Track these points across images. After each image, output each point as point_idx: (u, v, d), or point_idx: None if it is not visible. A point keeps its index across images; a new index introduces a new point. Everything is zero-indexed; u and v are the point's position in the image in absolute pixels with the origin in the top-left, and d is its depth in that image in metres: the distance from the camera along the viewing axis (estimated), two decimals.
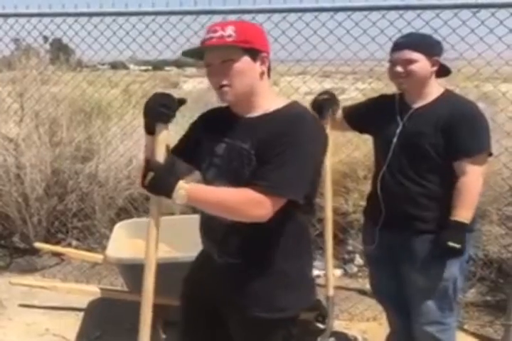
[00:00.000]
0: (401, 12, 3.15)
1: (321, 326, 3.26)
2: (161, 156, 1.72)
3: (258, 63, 1.76)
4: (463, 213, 2.23)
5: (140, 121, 4.59)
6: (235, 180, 1.73)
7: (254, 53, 1.74)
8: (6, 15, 4.03)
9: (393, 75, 2.33)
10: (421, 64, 2.28)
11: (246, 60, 1.73)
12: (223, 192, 1.70)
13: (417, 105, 2.36)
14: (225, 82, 1.72)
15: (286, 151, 1.66)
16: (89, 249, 4.32)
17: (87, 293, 3.39)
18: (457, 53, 3.18)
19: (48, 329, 3.39)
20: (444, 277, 2.32)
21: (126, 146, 4.48)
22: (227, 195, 1.68)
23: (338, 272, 4.22)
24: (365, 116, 2.54)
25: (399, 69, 2.29)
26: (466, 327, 3.42)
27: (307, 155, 1.69)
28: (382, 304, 2.73)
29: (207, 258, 1.92)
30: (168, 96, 1.74)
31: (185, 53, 1.82)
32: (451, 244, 2.21)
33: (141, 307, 1.84)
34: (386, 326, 2.86)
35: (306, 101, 2.58)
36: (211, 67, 1.76)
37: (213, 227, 1.83)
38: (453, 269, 2.33)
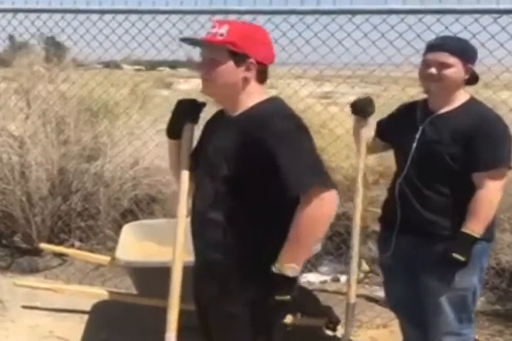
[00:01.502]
0: (402, 16, 3.13)
1: (330, 333, 3.22)
2: (187, 155, 1.89)
3: (242, 68, 1.76)
4: (474, 226, 2.17)
5: (147, 122, 4.69)
6: (216, 178, 1.79)
7: (240, 58, 1.75)
8: (3, 11, 4.02)
9: (424, 77, 2.26)
10: (456, 69, 2.21)
11: (229, 63, 1.75)
12: (301, 235, 1.69)
13: (439, 111, 2.30)
14: (206, 76, 1.79)
15: (279, 154, 1.66)
16: (92, 250, 4.26)
17: (95, 295, 3.33)
18: None
19: (51, 332, 3.32)
20: (463, 287, 2.27)
21: (133, 147, 4.42)
22: (305, 232, 1.68)
23: (344, 278, 4.16)
24: (388, 125, 2.49)
25: (433, 71, 2.22)
26: (476, 336, 3.36)
27: (301, 148, 1.71)
28: (396, 313, 2.68)
29: (197, 259, 1.93)
30: (194, 100, 1.94)
31: (184, 39, 1.87)
32: (455, 255, 2.15)
33: (167, 311, 1.85)
34: (397, 334, 2.80)
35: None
36: (202, 59, 1.81)
37: (199, 220, 1.86)
38: (473, 279, 2.27)
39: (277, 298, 1.72)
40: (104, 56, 4.33)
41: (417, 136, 2.29)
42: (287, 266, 1.70)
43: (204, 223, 1.84)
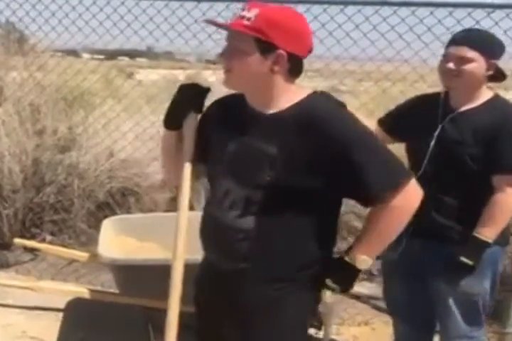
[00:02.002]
0: (413, 9, 3.06)
1: (314, 331, 3.15)
2: (191, 149, 1.70)
3: (270, 60, 1.53)
4: (487, 231, 2.09)
5: (121, 112, 4.55)
6: (248, 183, 1.60)
7: (267, 48, 1.52)
8: None
9: (443, 71, 2.15)
10: (476, 65, 2.09)
11: (254, 54, 1.53)
12: (386, 229, 1.61)
13: (461, 108, 2.18)
14: (228, 66, 1.58)
15: (356, 156, 1.52)
16: (65, 244, 4.11)
17: (75, 294, 3.18)
18: None
19: (24, 332, 3.16)
20: (474, 291, 2.21)
21: (109, 138, 4.28)
22: (391, 227, 1.61)
23: None
24: (401, 119, 2.34)
25: (451, 65, 2.11)
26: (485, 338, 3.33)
27: (375, 145, 1.58)
28: (392, 312, 2.61)
29: (209, 268, 1.76)
30: (198, 85, 1.71)
31: (208, 21, 1.66)
32: (464, 259, 2.09)
33: (167, 312, 1.69)
34: (379, 331, 2.75)
35: None
36: (224, 47, 1.60)
37: (220, 228, 1.66)
38: (484, 283, 2.22)
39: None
40: (64, 43, 4.16)
41: (436, 133, 2.18)
42: (362, 258, 1.60)
43: (226, 232, 1.64)
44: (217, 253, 1.71)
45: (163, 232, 3.10)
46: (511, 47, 2.41)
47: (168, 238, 3.06)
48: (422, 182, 2.09)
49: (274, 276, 1.63)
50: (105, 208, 4.28)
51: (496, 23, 2.98)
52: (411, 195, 1.59)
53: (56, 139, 4.23)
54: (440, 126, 2.18)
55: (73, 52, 6.65)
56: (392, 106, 2.50)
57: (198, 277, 1.82)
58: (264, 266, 1.62)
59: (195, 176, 2.02)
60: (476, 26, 2.92)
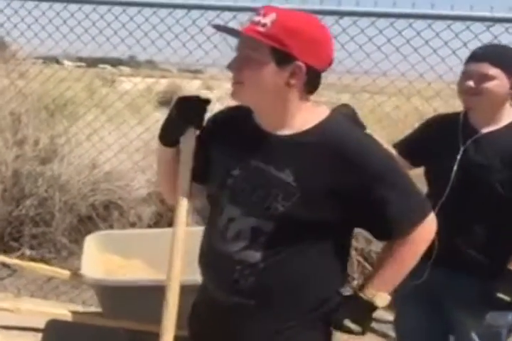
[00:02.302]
0: (411, 21, 2.98)
1: None
2: (189, 166, 1.56)
3: (286, 72, 1.38)
4: None
5: (108, 124, 4.41)
6: (257, 212, 1.43)
7: (284, 58, 1.36)
8: None
9: (462, 90, 2.00)
10: (498, 82, 1.93)
11: (269, 64, 1.37)
12: (404, 263, 1.50)
13: (484, 130, 2.02)
14: (238, 79, 1.41)
15: (383, 189, 1.40)
16: (45, 259, 3.96)
17: (56, 316, 3.01)
18: None
19: None
20: (499, 324, 2.06)
21: (92, 150, 4.13)
22: (409, 261, 1.50)
23: None
24: (419, 142, 2.18)
25: (470, 83, 1.95)
26: None
27: (402, 177, 1.46)
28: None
29: (208, 297, 1.58)
30: (197, 97, 1.54)
31: (218, 27, 1.48)
32: (500, 295, 1.94)
33: (161, 335, 1.56)
34: None
35: None
36: (235, 57, 1.43)
37: (222, 260, 1.49)
38: (509, 316, 2.06)
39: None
40: (49, 50, 4.03)
41: (459, 156, 2.01)
42: (380, 294, 1.48)
43: (229, 265, 1.47)
44: (218, 286, 1.54)
45: (148, 249, 2.98)
46: None
47: (154, 255, 2.97)
48: (446, 209, 1.94)
49: (281, 315, 1.48)
50: (87, 222, 4.12)
51: (496, 37, 2.91)
52: (429, 227, 1.49)
53: (37, 150, 4.07)
54: (462, 149, 2.02)
55: (54, 60, 6.50)
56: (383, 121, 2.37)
57: (196, 300, 1.67)
58: (271, 304, 1.47)
59: (191, 197, 1.90)
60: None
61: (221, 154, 1.54)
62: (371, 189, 1.39)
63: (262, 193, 1.42)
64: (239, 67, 1.41)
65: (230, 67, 1.43)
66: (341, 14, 3.02)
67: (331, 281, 1.51)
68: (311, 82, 1.42)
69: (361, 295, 1.49)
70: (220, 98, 4.54)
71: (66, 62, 7.44)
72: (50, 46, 3.86)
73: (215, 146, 1.57)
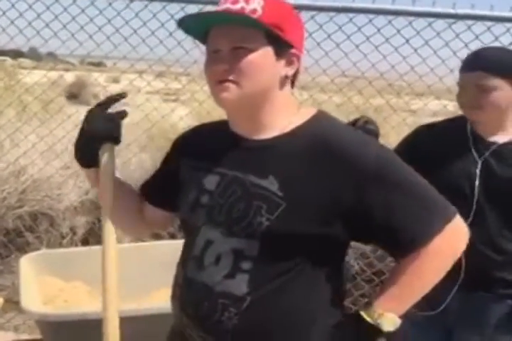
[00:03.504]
0: (390, 18, 2.78)
1: None
2: (110, 185, 1.36)
3: (283, 62, 1.22)
4: None
5: (30, 126, 4.01)
6: (238, 231, 1.20)
7: (282, 46, 1.21)
8: None
9: (461, 104, 1.78)
10: (501, 93, 1.70)
11: (267, 52, 1.19)
12: (422, 282, 1.23)
13: (499, 139, 1.81)
14: (230, 77, 1.19)
15: (387, 191, 1.17)
16: None
17: None
18: None
19: None
20: None
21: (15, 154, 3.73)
22: (428, 279, 1.23)
23: None
24: (421, 148, 1.87)
25: (468, 99, 1.72)
26: None
27: (409, 175, 1.22)
28: None
29: (185, 331, 1.32)
30: (107, 102, 1.33)
31: (182, 23, 1.23)
32: None
33: None
34: None
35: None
36: (217, 54, 1.21)
37: (200, 293, 1.25)
38: None
39: None
40: None
41: (478, 170, 1.79)
42: (388, 316, 1.21)
43: (207, 299, 1.23)
44: (195, 325, 1.28)
45: (89, 269, 2.67)
46: None
47: (96, 275, 2.69)
48: (473, 231, 1.69)
49: None
50: (14, 234, 3.74)
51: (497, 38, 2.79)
52: (456, 236, 1.24)
53: None
54: (481, 162, 1.80)
55: None
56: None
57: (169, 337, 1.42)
58: None
59: (164, 225, 1.64)
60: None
61: (192, 171, 1.33)
62: (371, 191, 1.16)
63: (242, 207, 1.21)
64: (231, 63, 1.19)
65: (214, 65, 1.20)
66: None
67: (331, 309, 1.27)
68: (296, 74, 1.27)
69: (364, 315, 1.23)
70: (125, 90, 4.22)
71: None
72: None
73: (185, 164, 1.36)
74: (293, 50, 1.22)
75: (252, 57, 1.18)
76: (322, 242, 1.20)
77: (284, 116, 1.25)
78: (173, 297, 1.35)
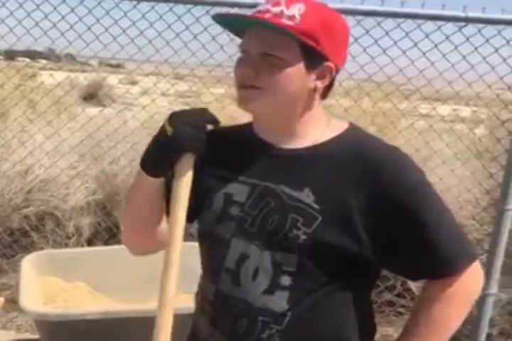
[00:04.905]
0: (379, 19, 2.75)
1: None
2: (186, 198, 1.19)
3: (314, 75, 1.16)
4: None
5: (38, 125, 4.02)
6: (276, 243, 1.16)
7: (316, 58, 1.15)
8: None
9: None
10: None
11: (297, 64, 1.14)
12: (447, 323, 1.20)
13: None
14: (256, 83, 1.15)
15: (418, 215, 1.14)
16: None
17: None
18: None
19: None
20: None
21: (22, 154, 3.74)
22: (451, 322, 1.20)
23: None
24: None
25: None
26: None
27: (438, 203, 1.19)
28: None
29: None
30: (202, 114, 1.20)
31: (217, 18, 1.19)
32: None
33: None
34: None
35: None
36: (245, 56, 1.17)
37: (238, 310, 1.20)
38: None
39: None
40: None
41: None
42: None
43: (246, 317, 1.18)
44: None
45: (92, 270, 2.67)
46: None
47: (98, 276, 2.68)
48: None
49: None
50: (23, 236, 3.74)
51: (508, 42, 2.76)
52: (477, 277, 1.23)
53: None
54: None
55: None
56: None
57: None
58: None
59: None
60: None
61: (215, 180, 1.25)
62: (407, 208, 1.14)
63: (276, 219, 1.17)
64: (257, 68, 1.14)
65: (242, 68, 1.16)
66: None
67: (364, 331, 1.24)
68: (329, 87, 1.22)
69: None
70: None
71: None
72: None
73: (206, 172, 1.26)
74: (327, 63, 1.16)
75: (279, 67, 1.14)
76: (358, 259, 1.16)
77: (315, 127, 1.21)
78: (201, 312, 1.28)
